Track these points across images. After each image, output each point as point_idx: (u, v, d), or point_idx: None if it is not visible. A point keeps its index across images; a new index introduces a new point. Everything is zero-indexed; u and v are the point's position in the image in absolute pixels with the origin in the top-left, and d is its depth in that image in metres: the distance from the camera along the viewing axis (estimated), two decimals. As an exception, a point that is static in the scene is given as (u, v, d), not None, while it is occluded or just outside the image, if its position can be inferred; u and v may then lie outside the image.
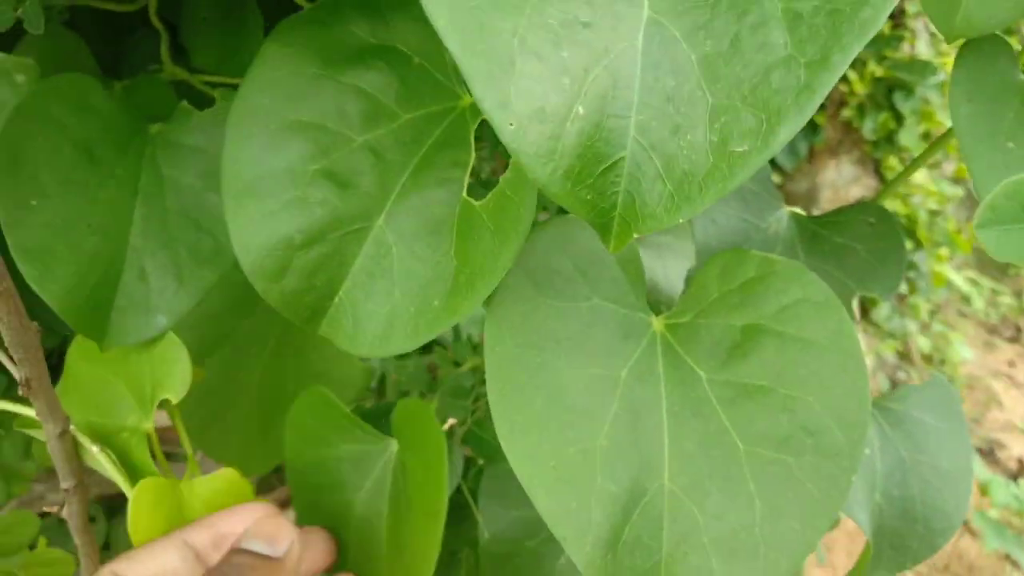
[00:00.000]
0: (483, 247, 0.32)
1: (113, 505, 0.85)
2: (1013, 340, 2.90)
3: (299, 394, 0.44)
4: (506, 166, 0.32)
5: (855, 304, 0.47)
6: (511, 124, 0.22)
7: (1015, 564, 1.92)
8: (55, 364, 0.42)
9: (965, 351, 2.53)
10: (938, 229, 2.33)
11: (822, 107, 2.21)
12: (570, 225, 0.35)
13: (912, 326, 2.45)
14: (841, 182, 2.28)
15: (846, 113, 2.17)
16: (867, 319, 2.39)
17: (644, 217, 0.23)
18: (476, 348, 0.74)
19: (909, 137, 2.09)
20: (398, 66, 0.36)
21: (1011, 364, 2.75)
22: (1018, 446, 2.35)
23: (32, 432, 0.42)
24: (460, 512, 0.60)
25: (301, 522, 0.43)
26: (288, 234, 0.34)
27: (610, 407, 0.33)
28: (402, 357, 0.76)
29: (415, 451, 0.39)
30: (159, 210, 0.39)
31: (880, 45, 2.05)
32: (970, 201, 2.49)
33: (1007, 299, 2.96)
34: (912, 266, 2.33)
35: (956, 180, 2.36)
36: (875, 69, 2.07)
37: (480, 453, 0.62)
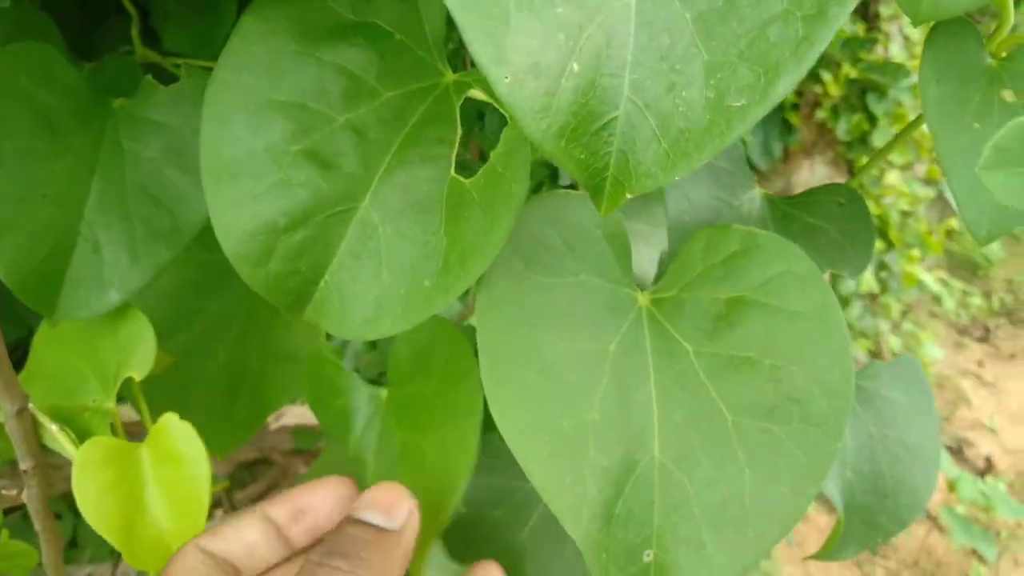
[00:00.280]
0: (474, 225, 0.32)
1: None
2: (982, 340, 2.96)
3: (265, 374, 0.42)
4: (482, 154, 0.32)
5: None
6: (507, 78, 0.22)
7: (981, 559, 1.96)
8: (20, 359, 0.41)
9: (935, 351, 2.58)
10: (910, 230, 2.37)
11: (797, 108, 2.24)
12: (559, 199, 0.35)
13: (883, 325, 2.49)
14: (815, 182, 2.30)
15: (820, 114, 2.19)
16: (840, 318, 2.41)
17: (639, 176, 0.23)
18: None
19: (882, 138, 2.12)
20: (379, 43, 0.35)
21: (980, 364, 2.81)
22: (986, 444, 2.40)
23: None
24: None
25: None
26: (272, 218, 0.33)
27: (600, 381, 0.33)
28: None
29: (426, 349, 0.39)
30: (117, 184, 0.38)
31: (855, 47, 2.08)
32: (941, 203, 2.53)
33: (977, 300, 3.02)
34: (884, 266, 2.37)
35: (928, 181, 2.40)
36: (849, 71, 2.10)
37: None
